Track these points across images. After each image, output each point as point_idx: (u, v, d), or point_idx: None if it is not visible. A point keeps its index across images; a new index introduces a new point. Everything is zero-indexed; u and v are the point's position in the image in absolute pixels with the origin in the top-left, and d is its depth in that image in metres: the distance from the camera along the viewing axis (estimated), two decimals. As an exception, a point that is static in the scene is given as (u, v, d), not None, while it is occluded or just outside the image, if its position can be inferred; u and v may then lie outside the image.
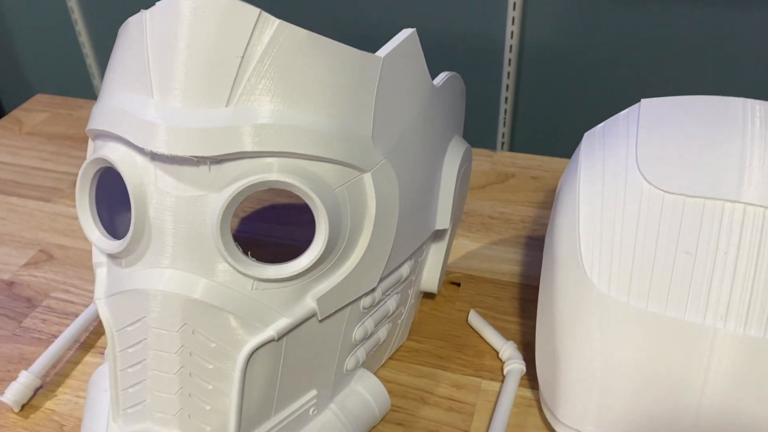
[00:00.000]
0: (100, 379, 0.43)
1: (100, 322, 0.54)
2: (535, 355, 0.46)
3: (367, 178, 0.38)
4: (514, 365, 0.48)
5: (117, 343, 0.38)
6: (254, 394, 0.37)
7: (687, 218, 0.40)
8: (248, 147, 0.34)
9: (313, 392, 0.40)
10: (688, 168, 0.41)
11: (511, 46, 0.80)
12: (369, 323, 0.42)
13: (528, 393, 0.47)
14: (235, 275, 0.36)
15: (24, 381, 0.47)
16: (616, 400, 0.41)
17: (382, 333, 0.45)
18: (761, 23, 0.71)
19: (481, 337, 0.52)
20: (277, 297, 0.37)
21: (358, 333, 0.41)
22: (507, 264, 0.59)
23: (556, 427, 0.43)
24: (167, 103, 0.35)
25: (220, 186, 0.35)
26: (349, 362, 0.42)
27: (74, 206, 0.68)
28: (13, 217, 0.66)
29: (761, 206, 0.39)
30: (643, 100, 0.47)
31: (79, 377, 0.50)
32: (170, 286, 0.36)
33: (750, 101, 0.44)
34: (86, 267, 0.60)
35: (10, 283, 0.59)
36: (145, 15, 0.37)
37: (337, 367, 0.41)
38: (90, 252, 0.62)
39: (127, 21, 0.38)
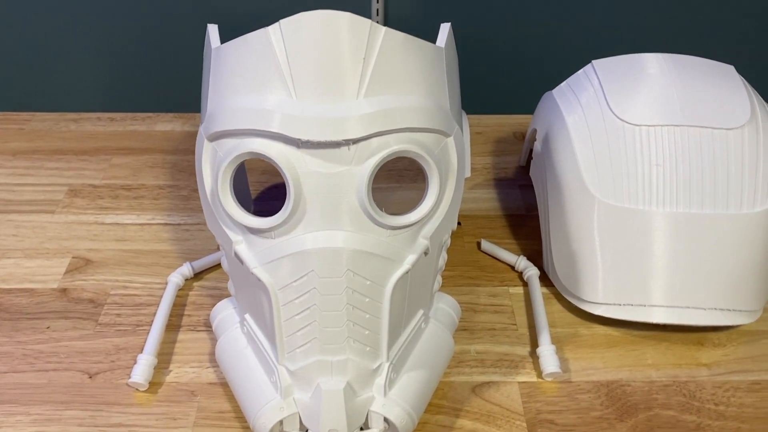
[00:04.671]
0: (230, 345, 0.51)
1: (176, 306, 0.61)
2: (553, 259, 0.61)
3: (450, 141, 0.50)
4: (532, 271, 0.63)
5: (280, 298, 0.47)
6: (394, 316, 0.48)
7: (651, 140, 0.57)
8: (381, 128, 0.45)
9: (421, 312, 0.52)
10: (642, 105, 0.58)
11: (377, 22, 0.90)
12: (443, 254, 0.55)
13: (544, 290, 0.63)
14: (374, 227, 0.47)
15: (145, 362, 0.54)
16: (617, 275, 0.57)
17: (445, 261, 0.57)
18: None
19: (495, 258, 0.66)
20: (403, 240, 0.48)
21: (440, 262, 0.54)
22: (488, 202, 0.74)
23: (581, 305, 0.59)
24: (308, 100, 0.45)
25: (360, 161, 0.45)
26: (435, 286, 0.54)
27: (83, 213, 0.71)
28: (26, 233, 0.68)
29: (695, 126, 0.57)
30: (594, 61, 0.64)
31: (181, 353, 0.57)
32: (331, 242, 0.45)
33: (665, 55, 0.63)
34: (129, 264, 0.65)
35: (63, 290, 0.62)
36: (269, 31, 0.45)
37: (431, 290, 0.53)
38: (123, 251, 0.66)
39: (243, 37, 0.46)
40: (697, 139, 0.57)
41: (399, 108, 0.46)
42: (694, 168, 0.56)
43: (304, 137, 0.44)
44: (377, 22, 0.91)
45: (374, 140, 0.46)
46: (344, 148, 0.45)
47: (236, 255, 0.49)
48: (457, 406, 0.53)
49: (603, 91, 0.60)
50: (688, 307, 0.56)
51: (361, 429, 0.47)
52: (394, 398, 0.47)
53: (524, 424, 0.51)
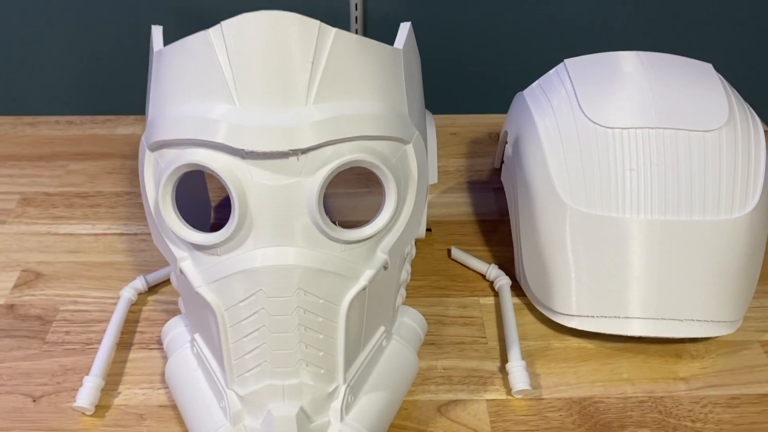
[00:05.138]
0: (180, 367, 0.48)
1: (128, 322, 0.57)
2: (524, 269, 0.58)
3: (409, 148, 0.47)
4: (503, 281, 0.60)
5: (228, 320, 0.44)
6: (351, 335, 0.45)
7: (625, 144, 0.54)
8: (333, 136, 0.42)
9: (382, 328, 0.49)
10: (616, 107, 0.55)
11: (356, 18, 0.86)
12: (407, 266, 0.52)
13: (516, 300, 0.60)
14: (328, 242, 0.44)
15: (92, 384, 0.51)
16: (592, 286, 0.54)
17: (409, 273, 0.54)
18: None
19: (465, 267, 0.63)
20: (359, 254, 0.45)
21: (403, 275, 0.51)
22: (460, 207, 0.71)
23: (554, 317, 0.56)
24: (252, 108, 0.41)
25: (311, 171, 0.42)
26: (398, 300, 0.51)
27: (35, 223, 0.67)
28: (-27, 245, 0.65)
29: (671, 128, 0.54)
30: (566, 60, 0.61)
31: (132, 372, 0.54)
32: (282, 259, 0.42)
33: (640, 53, 0.60)
34: (81, 277, 0.62)
35: (10, 306, 0.59)
36: (210, 34, 0.42)
37: (393, 306, 0.51)
38: (75, 263, 0.63)
39: (183, 40, 0.43)
40: (673, 142, 0.54)
41: (352, 115, 0.43)
42: (670, 173, 0.53)
43: (248, 147, 0.41)
44: (356, 18, 0.88)
45: (326, 150, 0.42)
46: (293, 159, 0.42)
47: (181, 272, 0.46)
48: (422, 427, 0.50)
49: (575, 93, 0.57)
50: (666, 319, 0.53)
51: (317, 457, 0.44)
52: (352, 423, 0.45)
53: (491, 446, 0.49)
